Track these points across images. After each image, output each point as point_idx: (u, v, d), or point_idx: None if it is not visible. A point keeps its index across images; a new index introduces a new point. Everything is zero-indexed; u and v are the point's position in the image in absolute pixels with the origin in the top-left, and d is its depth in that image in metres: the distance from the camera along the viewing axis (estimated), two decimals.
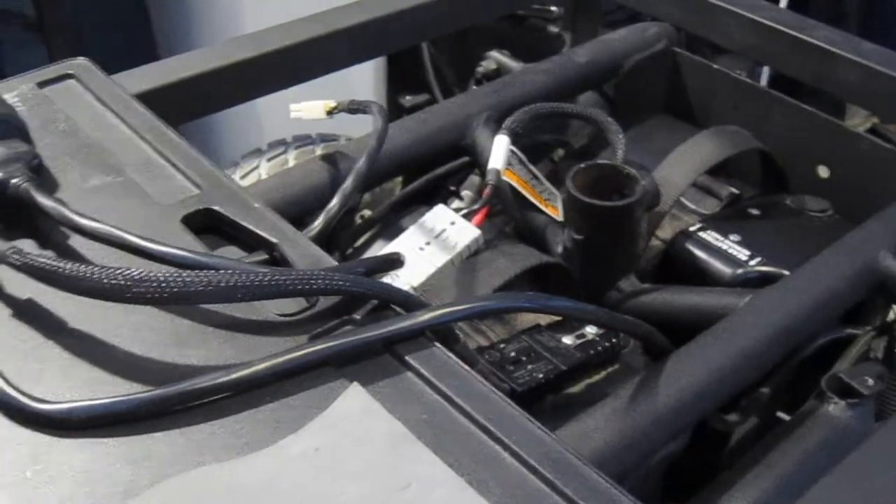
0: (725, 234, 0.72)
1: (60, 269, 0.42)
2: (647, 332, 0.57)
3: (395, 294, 0.46)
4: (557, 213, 0.68)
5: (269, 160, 1.03)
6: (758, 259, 0.70)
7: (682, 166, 0.74)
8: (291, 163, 1.02)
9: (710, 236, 0.72)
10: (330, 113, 0.67)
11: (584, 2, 1.00)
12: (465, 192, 0.79)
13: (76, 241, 0.49)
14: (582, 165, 0.66)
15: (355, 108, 0.67)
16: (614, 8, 0.99)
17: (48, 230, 0.50)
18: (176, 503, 0.37)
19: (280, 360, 0.42)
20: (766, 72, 1.43)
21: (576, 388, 0.61)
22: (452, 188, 0.79)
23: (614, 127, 0.72)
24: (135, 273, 0.41)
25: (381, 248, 0.69)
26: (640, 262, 0.71)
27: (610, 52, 0.87)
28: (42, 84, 0.63)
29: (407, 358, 0.43)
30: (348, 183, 0.60)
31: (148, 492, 0.38)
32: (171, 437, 0.40)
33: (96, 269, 0.42)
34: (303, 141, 1.05)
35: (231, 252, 0.51)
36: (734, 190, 0.79)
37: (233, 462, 0.39)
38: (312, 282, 0.43)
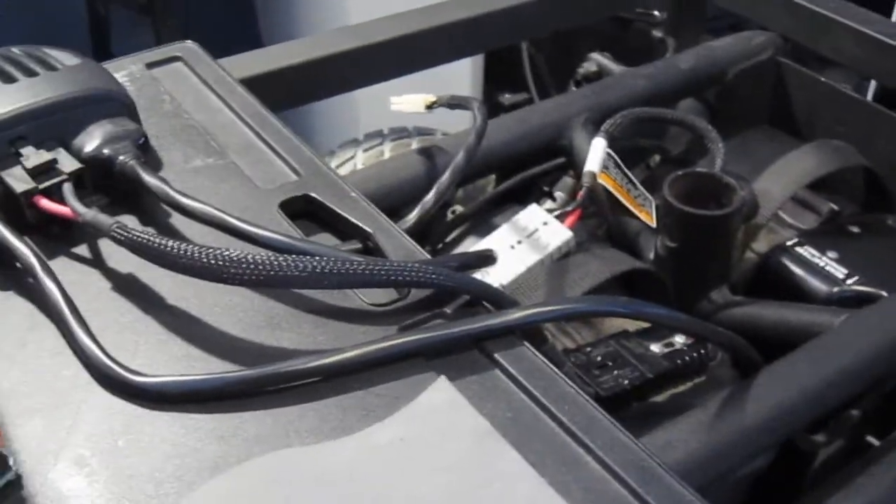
0: (823, 251, 0.71)
1: (161, 246, 0.43)
2: (739, 346, 0.56)
3: (487, 291, 0.46)
4: (651, 220, 0.67)
5: (365, 151, 1.04)
6: (855, 278, 0.68)
7: (782, 179, 0.73)
8: (387, 154, 1.03)
9: (807, 252, 0.71)
10: (430, 107, 0.67)
11: (689, 7, 0.99)
12: (559, 194, 0.78)
13: (177, 220, 0.50)
14: (679, 172, 0.65)
15: (455, 103, 0.67)
16: (719, 14, 0.97)
17: (151, 207, 0.51)
18: (262, 482, 0.38)
19: (370, 348, 0.42)
20: (871, 86, 1.39)
21: (661, 398, 0.60)
22: (546, 188, 0.79)
23: (714, 135, 0.71)
24: (232, 254, 0.42)
25: (471, 245, 0.69)
26: (733, 274, 0.70)
27: (714, 59, 0.85)
28: (151, 65, 0.64)
29: (496, 355, 0.43)
30: (445, 177, 0.60)
31: (235, 469, 0.38)
32: (260, 418, 0.40)
33: (195, 248, 0.43)
34: (399, 133, 1.06)
35: (325, 239, 0.52)
36: (834, 206, 0.77)
37: (319, 446, 0.39)
38: (406, 273, 0.44)
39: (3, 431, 0.39)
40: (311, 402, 0.41)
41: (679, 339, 0.62)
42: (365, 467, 0.38)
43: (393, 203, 0.65)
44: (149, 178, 0.50)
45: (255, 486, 0.38)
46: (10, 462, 0.38)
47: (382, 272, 0.43)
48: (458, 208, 0.76)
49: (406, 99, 0.69)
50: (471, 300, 0.46)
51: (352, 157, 1.04)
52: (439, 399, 0.41)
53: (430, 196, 0.59)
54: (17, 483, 0.38)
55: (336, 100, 0.81)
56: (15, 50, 0.56)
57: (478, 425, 0.40)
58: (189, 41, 0.67)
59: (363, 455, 0.39)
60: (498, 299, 0.46)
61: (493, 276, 0.54)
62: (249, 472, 0.38)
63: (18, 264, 0.46)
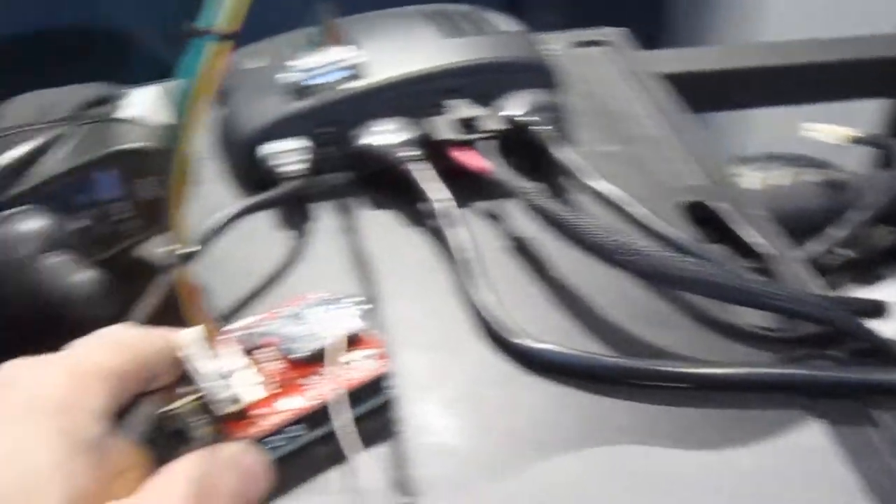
0: None
1: (569, 220, 0.44)
2: None
3: (885, 343, 0.43)
4: None
5: (756, 170, 1.00)
6: None
7: None
8: (782, 180, 0.99)
9: None
10: (851, 142, 0.64)
11: None
12: None
13: (577, 197, 0.51)
14: None
15: (877, 142, 0.63)
16: None
17: (554, 180, 0.52)
18: (612, 472, 0.38)
19: (754, 370, 0.41)
20: None
21: None
22: None
23: None
24: (638, 244, 0.42)
25: (853, 291, 0.65)
26: None
27: None
28: (579, 44, 0.65)
29: (881, 414, 0.41)
30: (864, 215, 0.57)
31: (587, 451, 0.38)
32: (627, 409, 0.40)
33: (602, 228, 0.43)
34: (797, 161, 1.01)
35: (718, 251, 0.51)
36: None
37: (672, 452, 0.38)
38: (806, 305, 0.42)
39: (390, 356, 0.41)
40: (678, 408, 0.40)
41: None
42: (714, 487, 0.38)
43: (786, 229, 0.62)
44: (560, 152, 0.52)
45: (608, 474, 0.38)
46: (385, 385, 0.40)
47: (783, 298, 0.41)
48: (848, 252, 0.72)
49: (822, 127, 0.66)
50: (863, 349, 0.43)
51: (742, 175, 1.00)
52: (812, 442, 0.39)
53: (843, 231, 0.56)
54: (388, 406, 0.40)
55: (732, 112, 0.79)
56: (457, 8, 0.59)
57: (845, 481, 0.38)
58: (618, 28, 0.67)
59: (717, 475, 0.38)
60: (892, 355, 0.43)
61: (883, 329, 0.51)
62: (599, 459, 0.38)
63: (430, 206, 0.49)
